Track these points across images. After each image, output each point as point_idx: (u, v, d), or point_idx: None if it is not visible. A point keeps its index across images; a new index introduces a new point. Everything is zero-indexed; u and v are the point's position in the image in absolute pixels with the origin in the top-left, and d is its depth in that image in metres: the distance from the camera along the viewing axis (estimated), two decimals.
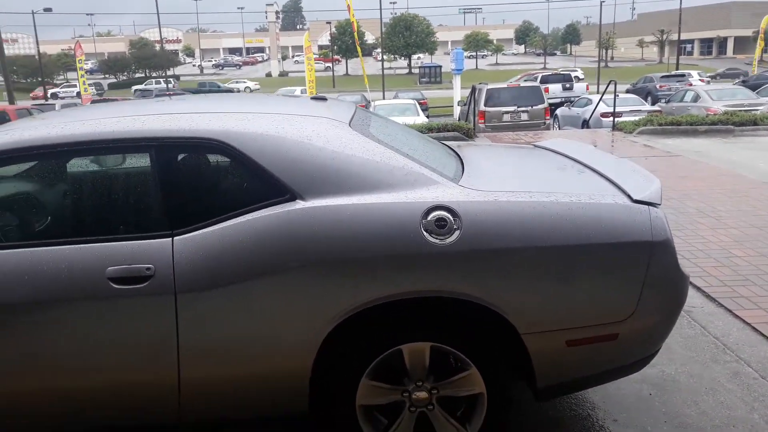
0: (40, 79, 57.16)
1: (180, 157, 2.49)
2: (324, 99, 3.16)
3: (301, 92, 39.82)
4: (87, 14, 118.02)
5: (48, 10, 56.85)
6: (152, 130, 2.46)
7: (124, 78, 77.67)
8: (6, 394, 2.38)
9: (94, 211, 2.55)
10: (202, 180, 2.54)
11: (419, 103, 21.58)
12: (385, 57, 55.15)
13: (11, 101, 24.56)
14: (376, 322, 2.43)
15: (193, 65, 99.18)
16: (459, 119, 18.08)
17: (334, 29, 74.84)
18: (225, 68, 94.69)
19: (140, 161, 2.60)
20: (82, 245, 2.33)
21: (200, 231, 2.34)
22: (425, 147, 2.93)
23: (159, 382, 2.38)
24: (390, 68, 54.54)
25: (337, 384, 2.45)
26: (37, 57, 56.54)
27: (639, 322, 2.47)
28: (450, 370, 2.51)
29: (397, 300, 2.36)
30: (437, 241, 2.32)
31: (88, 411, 2.44)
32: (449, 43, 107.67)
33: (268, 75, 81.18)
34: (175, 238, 2.34)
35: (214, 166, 2.52)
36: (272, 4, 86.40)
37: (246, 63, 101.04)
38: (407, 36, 73.04)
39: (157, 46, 78.07)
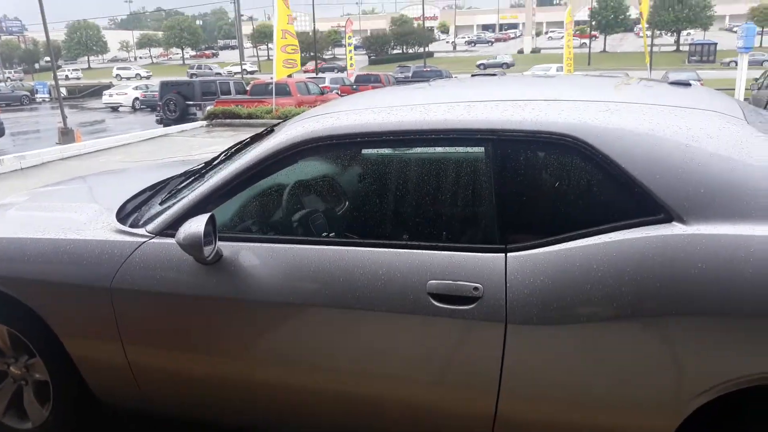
0: (312, 54, 62.93)
1: (521, 156, 2.03)
2: (688, 84, 2.51)
3: (557, 70, 38.41)
4: None
5: None
6: (489, 120, 2.05)
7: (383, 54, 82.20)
8: (298, 388, 2.24)
9: (415, 213, 2.21)
10: (547, 186, 2.04)
11: None
12: (648, 33, 50.72)
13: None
14: None
15: (447, 42, 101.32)
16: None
17: (594, 3, 70.87)
18: (477, 45, 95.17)
19: (471, 158, 2.15)
20: (401, 250, 2.05)
21: (541, 249, 1.91)
22: None
23: (470, 414, 2.05)
24: (654, 45, 49.83)
25: None
26: (311, 33, 62.25)
27: None
28: None
29: None
30: None
31: (382, 423, 2.21)
32: (726, 17, 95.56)
33: (520, 52, 79.50)
34: (509, 254, 1.94)
35: (564, 169, 2.00)
36: None
37: (498, 39, 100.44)
38: (678, 10, 66.22)
39: (416, 23, 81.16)
